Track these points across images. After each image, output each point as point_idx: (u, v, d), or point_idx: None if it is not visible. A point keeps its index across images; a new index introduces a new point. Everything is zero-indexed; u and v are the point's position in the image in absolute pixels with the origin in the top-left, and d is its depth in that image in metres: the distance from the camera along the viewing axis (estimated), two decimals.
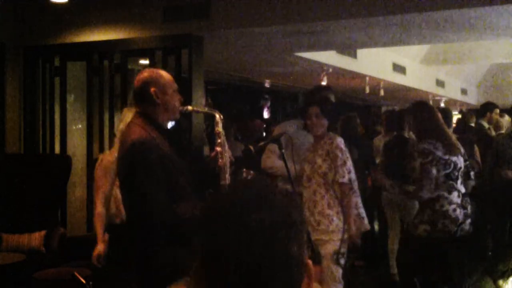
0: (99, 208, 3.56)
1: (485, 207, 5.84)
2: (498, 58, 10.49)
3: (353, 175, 3.63)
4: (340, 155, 3.55)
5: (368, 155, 5.67)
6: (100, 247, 3.47)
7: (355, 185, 3.69)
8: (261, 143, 3.45)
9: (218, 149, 2.77)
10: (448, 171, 3.76)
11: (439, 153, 3.74)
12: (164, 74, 2.71)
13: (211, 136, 4.73)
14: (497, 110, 7.02)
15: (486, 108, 6.99)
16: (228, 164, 2.76)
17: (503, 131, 6.61)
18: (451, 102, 13.81)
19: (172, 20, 4.71)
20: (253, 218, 0.96)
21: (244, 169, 2.96)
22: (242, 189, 1.03)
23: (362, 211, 3.76)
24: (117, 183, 3.60)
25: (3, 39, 5.20)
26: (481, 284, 5.38)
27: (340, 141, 3.60)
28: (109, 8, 4.97)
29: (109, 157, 3.69)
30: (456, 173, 3.81)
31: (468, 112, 8.18)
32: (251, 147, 3.12)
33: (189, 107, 2.81)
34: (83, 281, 2.93)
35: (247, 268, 0.94)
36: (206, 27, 4.61)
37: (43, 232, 4.35)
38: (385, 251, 5.53)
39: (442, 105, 13.36)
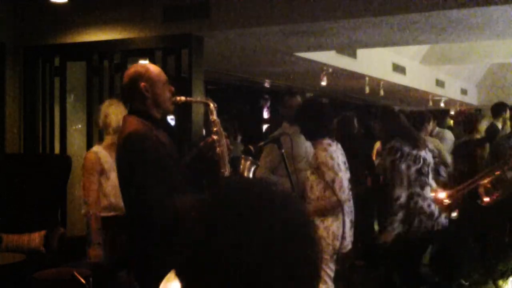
0: (93, 209, 3.59)
1: (485, 207, 5.83)
2: (498, 58, 10.48)
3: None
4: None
5: (368, 155, 5.67)
6: (98, 251, 3.53)
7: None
8: (261, 143, 3.43)
9: (215, 137, 2.71)
10: (418, 166, 3.83)
11: (406, 148, 3.84)
12: (152, 67, 2.69)
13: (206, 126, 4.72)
14: (508, 111, 6.96)
15: (498, 108, 6.95)
16: (227, 152, 2.70)
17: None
18: (451, 102, 13.79)
19: (172, 20, 4.70)
20: (253, 218, 0.96)
21: (243, 156, 2.90)
22: (240, 190, 1.03)
23: None
24: (101, 178, 3.64)
25: (3, 39, 5.20)
26: (481, 284, 5.38)
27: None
28: (109, 8, 4.97)
29: (90, 155, 3.71)
30: (426, 168, 3.89)
31: (474, 113, 8.12)
32: (251, 147, 3.09)
33: (182, 98, 2.77)
34: (83, 281, 2.93)
35: (247, 268, 0.93)
36: (206, 27, 4.61)
37: (43, 232, 4.35)
38: (385, 251, 5.51)
39: (442, 105, 13.36)
